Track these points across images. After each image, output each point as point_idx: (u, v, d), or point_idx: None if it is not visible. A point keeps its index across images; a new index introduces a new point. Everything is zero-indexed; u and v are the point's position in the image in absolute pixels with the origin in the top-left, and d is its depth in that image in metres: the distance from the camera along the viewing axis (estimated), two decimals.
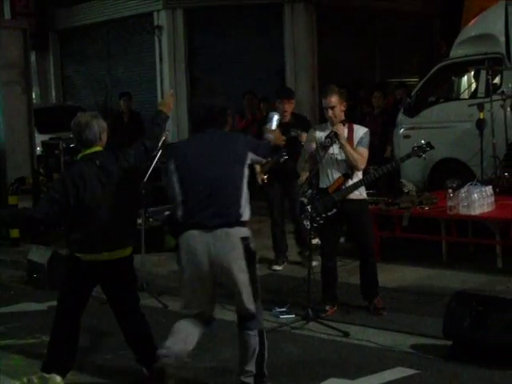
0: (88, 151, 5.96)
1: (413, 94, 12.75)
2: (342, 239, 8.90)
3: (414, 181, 11.34)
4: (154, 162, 8.51)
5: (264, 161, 6.06)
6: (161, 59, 19.18)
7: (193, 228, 5.35)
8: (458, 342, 6.32)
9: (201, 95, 5.72)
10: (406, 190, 10.23)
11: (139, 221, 8.23)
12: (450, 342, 6.38)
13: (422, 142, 7.99)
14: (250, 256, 5.42)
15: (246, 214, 5.46)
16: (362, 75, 18.99)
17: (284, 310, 7.87)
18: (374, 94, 13.31)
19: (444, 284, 8.50)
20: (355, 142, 7.57)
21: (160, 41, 19.16)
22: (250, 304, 5.44)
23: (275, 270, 9.65)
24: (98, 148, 5.98)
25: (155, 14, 19.21)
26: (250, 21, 18.83)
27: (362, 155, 7.56)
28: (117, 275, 5.97)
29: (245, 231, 5.43)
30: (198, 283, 5.44)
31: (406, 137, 12.39)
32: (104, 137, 6.03)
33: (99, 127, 5.98)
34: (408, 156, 8.03)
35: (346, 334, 7.01)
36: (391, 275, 8.96)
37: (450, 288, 7.78)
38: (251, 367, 5.54)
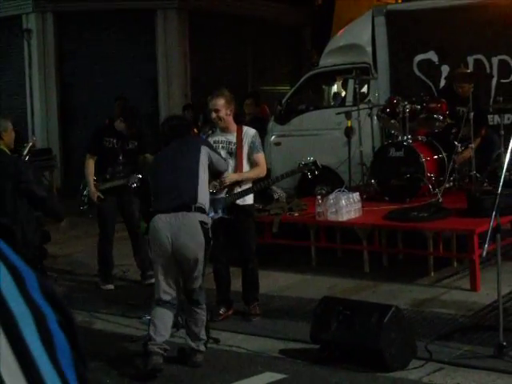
0: None
1: (283, 101, 12.90)
2: None
3: (285, 187, 11.46)
4: None
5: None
6: (30, 64, 18.78)
7: (158, 212, 6.31)
8: (325, 346, 6.41)
9: (167, 119, 7.08)
10: (276, 197, 10.33)
11: None
12: (318, 347, 6.48)
13: (309, 159, 7.90)
14: (206, 239, 6.31)
15: (202, 197, 6.37)
16: (235, 83, 19.12)
17: None
18: (245, 101, 13.42)
19: (313, 289, 8.63)
20: (245, 145, 7.55)
21: (29, 45, 18.76)
22: (197, 281, 6.34)
23: (108, 290, 9.09)
24: None
25: (24, 16, 18.78)
26: (122, 26, 18.67)
27: (259, 164, 7.58)
28: None
29: (203, 216, 6.35)
30: (163, 260, 6.26)
31: (277, 144, 12.57)
32: (5, 136, 6.43)
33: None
34: (293, 172, 8.10)
35: (217, 341, 6.98)
36: (262, 281, 8.94)
37: (319, 293, 7.89)
38: (203, 335, 6.48)
